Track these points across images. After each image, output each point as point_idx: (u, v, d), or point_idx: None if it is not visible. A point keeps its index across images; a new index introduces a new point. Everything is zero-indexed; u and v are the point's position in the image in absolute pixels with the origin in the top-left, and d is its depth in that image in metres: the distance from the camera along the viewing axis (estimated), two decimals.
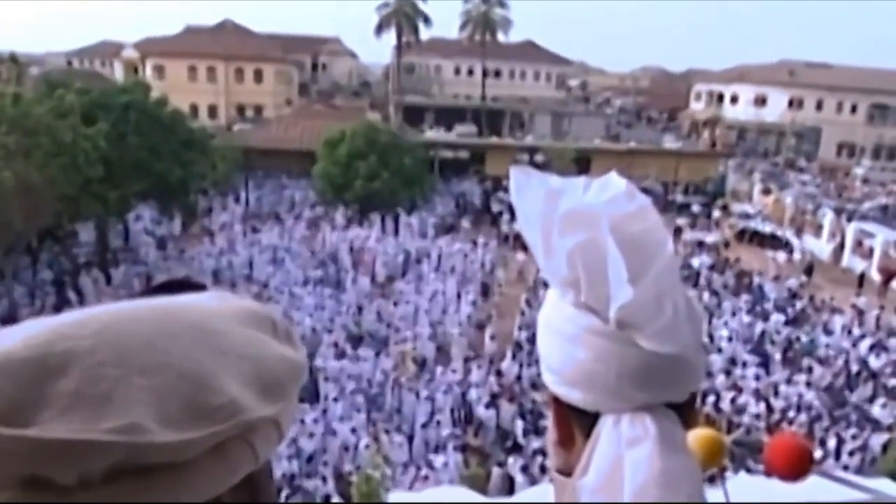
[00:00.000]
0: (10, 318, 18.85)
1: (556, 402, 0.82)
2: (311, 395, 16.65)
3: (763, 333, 19.92)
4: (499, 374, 16.90)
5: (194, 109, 48.11)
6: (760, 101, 55.83)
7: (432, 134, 42.85)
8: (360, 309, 21.26)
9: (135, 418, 0.48)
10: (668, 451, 0.72)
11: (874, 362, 18.54)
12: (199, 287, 0.69)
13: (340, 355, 18.31)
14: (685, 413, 0.79)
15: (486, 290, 23.78)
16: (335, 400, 15.70)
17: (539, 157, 39.58)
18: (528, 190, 0.82)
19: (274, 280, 23.37)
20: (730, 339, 19.27)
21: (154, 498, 0.49)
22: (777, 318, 21.14)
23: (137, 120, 22.57)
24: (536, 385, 15.68)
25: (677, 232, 29.79)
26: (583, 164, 37.88)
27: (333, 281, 23.86)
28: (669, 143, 46.33)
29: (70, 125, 19.44)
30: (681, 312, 0.75)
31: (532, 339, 19.37)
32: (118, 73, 54.89)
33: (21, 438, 0.46)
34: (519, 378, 16.80)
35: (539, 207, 0.80)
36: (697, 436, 1.38)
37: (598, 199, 0.79)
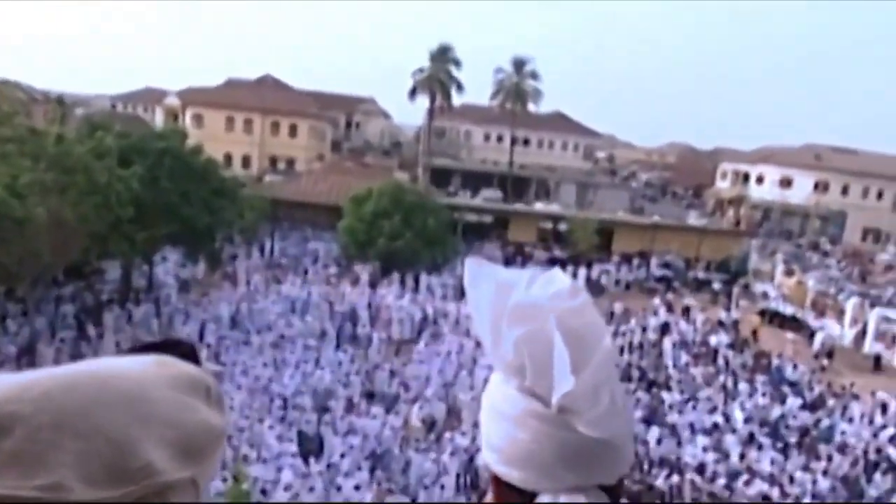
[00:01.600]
0: (29, 349, 19.14)
1: (496, 480, 0.89)
2: (317, 448, 16.58)
3: (780, 417, 19.55)
4: None
5: (228, 158, 49.30)
6: (786, 183, 55.91)
7: (458, 197, 43.44)
8: (374, 366, 21.27)
9: (60, 478, 0.55)
10: None
11: (895, 454, 18.06)
12: (185, 349, 0.78)
13: (350, 410, 18.29)
14: (615, 494, 0.86)
15: None
16: (342, 456, 15.61)
17: (562, 227, 39.82)
18: (480, 281, 0.89)
19: (290, 331, 23.52)
20: (746, 420, 18.94)
21: None
22: (794, 401, 20.76)
23: (172, 165, 23.28)
24: None
25: (686, 311, 29.53)
26: (605, 235, 38.06)
27: (350, 336, 23.96)
28: (693, 219, 46.39)
29: (106, 166, 20.13)
30: (616, 402, 0.83)
31: None
32: (159, 119, 56.63)
33: None
34: None
35: (490, 298, 0.87)
36: None
37: (543, 293, 0.87)
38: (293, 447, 15.99)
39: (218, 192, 25.05)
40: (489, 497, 0.91)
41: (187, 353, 0.76)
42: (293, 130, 56.73)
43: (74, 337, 20.57)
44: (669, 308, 29.73)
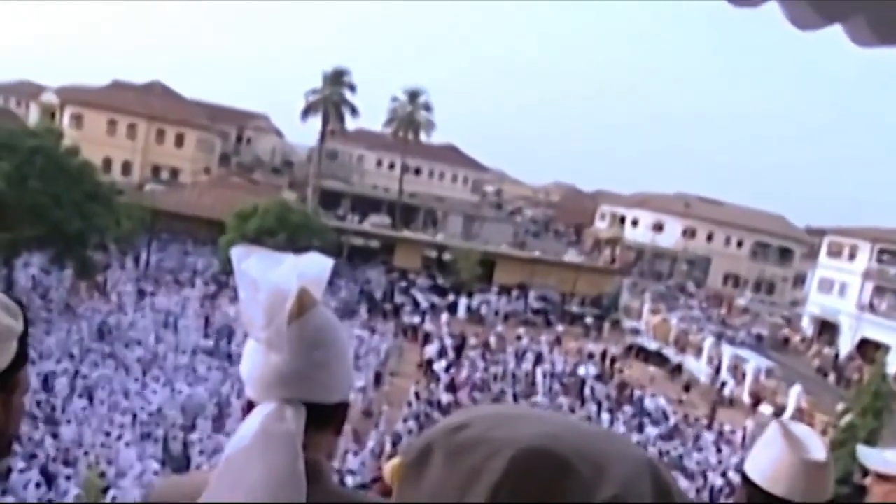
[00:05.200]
0: None
1: (249, 401, 1.21)
2: (183, 467, 16.06)
3: (636, 444, 20.72)
4: (379, 459, 16.83)
5: (108, 163, 47.12)
6: (658, 227, 59.60)
7: (347, 221, 43.45)
8: None
9: None
10: (271, 423, 1.09)
11: (737, 479, 19.55)
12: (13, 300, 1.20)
13: (218, 430, 17.83)
14: (330, 414, 1.17)
15: (378, 379, 23.80)
16: None
17: (446, 256, 40.59)
18: (238, 261, 1.18)
19: (162, 346, 22.70)
20: None
21: None
22: (651, 430, 22.08)
23: (43, 165, 22.10)
24: None
25: (558, 341, 30.92)
26: (488, 267, 39.10)
27: (224, 353, 23.34)
28: (572, 256, 48.48)
29: None
30: (304, 343, 1.13)
31: (416, 431, 19.36)
32: (33, 116, 53.41)
33: None
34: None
35: (237, 272, 1.19)
36: (392, 463, 1.87)
37: (266, 268, 1.16)
38: (155, 465, 15.43)
39: (92, 197, 23.94)
40: None
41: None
42: (180, 140, 54.96)
43: None
44: (543, 340, 30.89)
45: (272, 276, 1.13)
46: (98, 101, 52.89)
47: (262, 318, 1.12)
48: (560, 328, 33.37)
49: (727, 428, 23.76)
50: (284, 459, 1.06)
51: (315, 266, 1.21)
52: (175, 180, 50.59)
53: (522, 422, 0.64)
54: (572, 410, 22.90)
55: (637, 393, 25.89)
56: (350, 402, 1.25)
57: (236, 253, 1.17)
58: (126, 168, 51.91)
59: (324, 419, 1.17)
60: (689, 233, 59.16)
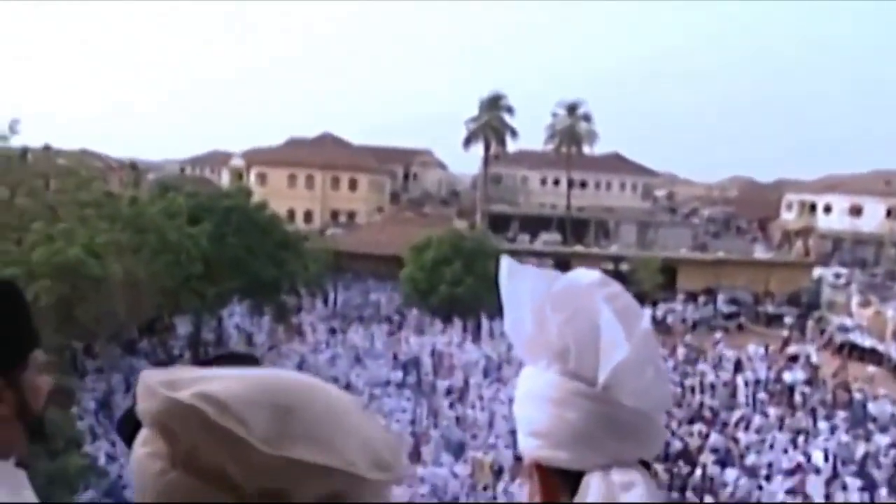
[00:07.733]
0: (105, 403, 19.82)
1: (540, 469, 0.91)
2: None
3: (866, 455, 18.55)
4: None
5: (291, 214, 50.65)
6: (856, 211, 53.95)
7: (517, 242, 43.51)
8: (439, 413, 21.21)
9: (355, 458, 0.67)
10: (656, 495, 0.84)
11: None
12: (251, 360, 0.90)
13: (416, 459, 18.20)
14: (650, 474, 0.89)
15: None
16: None
17: (624, 267, 39.25)
18: (517, 273, 0.97)
19: (356, 380, 23.73)
20: (825, 459, 18.06)
21: None
22: (881, 439, 19.68)
23: (238, 222, 24.13)
24: None
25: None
26: (669, 273, 37.35)
27: (414, 384, 24.00)
28: (760, 253, 45.14)
29: (177, 225, 21.03)
30: (660, 375, 0.89)
31: None
32: (225, 180, 58.79)
33: (280, 458, 0.63)
34: None
35: (530, 287, 0.93)
36: None
37: (579, 282, 0.94)
38: None
39: (282, 246, 25.77)
40: (531, 489, 0.94)
41: (254, 364, 0.87)
42: (353, 184, 58.06)
43: None
44: (740, 345, 28.84)
45: (618, 303, 0.90)
46: (278, 159, 57.40)
47: (619, 337, 0.86)
48: (757, 331, 31.03)
49: None
50: None
51: (613, 284, 0.94)
52: (352, 222, 53.36)
53: None
54: (782, 421, 21.04)
55: (857, 396, 23.30)
56: None
57: (506, 266, 0.97)
58: (308, 216, 55.53)
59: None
60: (895, 213, 53.04)
